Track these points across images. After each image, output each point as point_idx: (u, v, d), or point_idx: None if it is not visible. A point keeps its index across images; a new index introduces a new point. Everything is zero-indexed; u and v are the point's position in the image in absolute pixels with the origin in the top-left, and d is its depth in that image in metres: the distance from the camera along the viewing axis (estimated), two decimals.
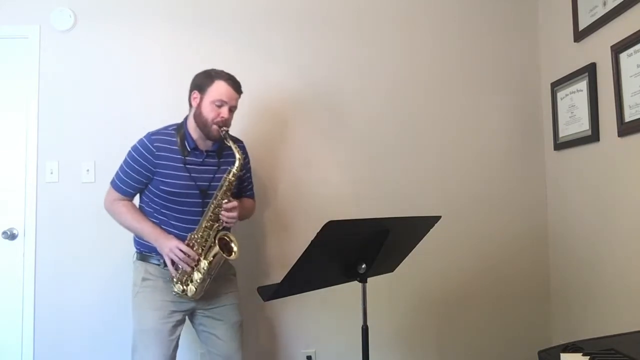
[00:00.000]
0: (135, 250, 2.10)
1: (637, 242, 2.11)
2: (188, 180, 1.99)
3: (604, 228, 2.34)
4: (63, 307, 2.55)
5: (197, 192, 2.00)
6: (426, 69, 2.82)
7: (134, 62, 2.67)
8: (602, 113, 2.34)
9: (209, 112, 1.98)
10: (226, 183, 1.97)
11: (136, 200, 2.12)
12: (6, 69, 2.65)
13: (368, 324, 1.74)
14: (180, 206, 2.01)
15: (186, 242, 1.96)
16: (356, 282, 1.74)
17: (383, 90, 2.79)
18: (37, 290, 2.55)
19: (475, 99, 2.84)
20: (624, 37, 2.15)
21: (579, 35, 2.48)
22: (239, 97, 2.06)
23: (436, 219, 1.85)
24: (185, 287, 1.97)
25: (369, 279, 1.74)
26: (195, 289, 1.96)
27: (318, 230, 1.48)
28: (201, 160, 2.04)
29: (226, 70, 2.04)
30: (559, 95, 2.68)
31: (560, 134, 2.68)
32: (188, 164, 2.00)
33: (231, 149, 1.98)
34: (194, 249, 1.96)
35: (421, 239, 1.89)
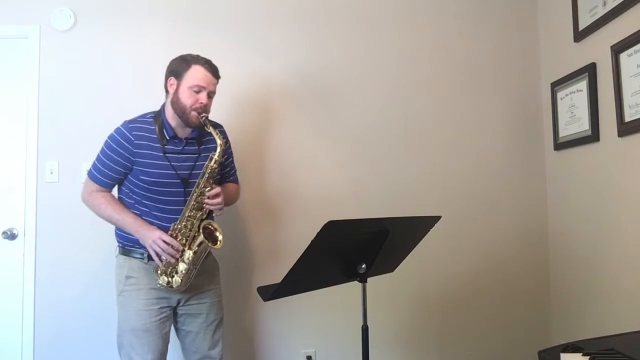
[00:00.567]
0: (117, 244, 2.06)
1: (637, 242, 2.11)
2: (168, 169, 1.94)
3: (604, 228, 2.34)
4: (63, 307, 2.55)
5: (179, 181, 1.95)
6: (426, 68, 2.82)
7: (134, 62, 2.67)
8: (602, 113, 2.34)
9: (186, 98, 1.93)
10: (208, 170, 1.93)
11: (115, 192, 2.07)
12: (6, 69, 2.65)
13: (368, 324, 1.74)
14: (162, 196, 1.95)
15: (169, 232, 1.91)
16: (356, 282, 1.74)
17: (383, 90, 2.79)
18: (37, 290, 2.55)
19: (475, 99, 2.84)
20: (624, 37, 2.15)
21: (579, 35, 2.48)
22: (217, 82, 2.01)
23: (436, 219, 1.85)
24: (170, 278, 1.92)
25: (369, 279, 1.74)
26: (181, 280, 1.91)
27: (318, 231, 1.47)
28: (180, 148, 1.98)
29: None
30: (559, 95, 2.68)
31: (560, 134, 2.68)
32: (167, 153, 1.95)
33: (211, 135, 1.94)
34: (178, 239, 1.91)
35: (421, 239, 1.89)
